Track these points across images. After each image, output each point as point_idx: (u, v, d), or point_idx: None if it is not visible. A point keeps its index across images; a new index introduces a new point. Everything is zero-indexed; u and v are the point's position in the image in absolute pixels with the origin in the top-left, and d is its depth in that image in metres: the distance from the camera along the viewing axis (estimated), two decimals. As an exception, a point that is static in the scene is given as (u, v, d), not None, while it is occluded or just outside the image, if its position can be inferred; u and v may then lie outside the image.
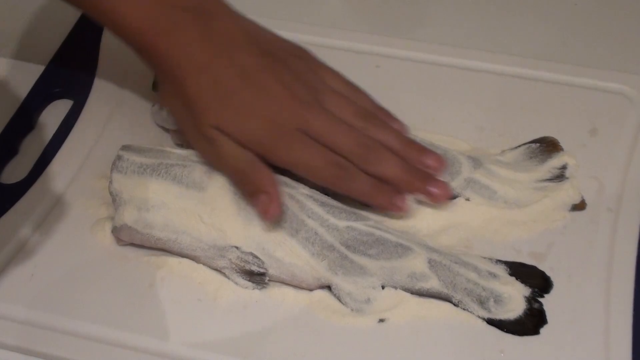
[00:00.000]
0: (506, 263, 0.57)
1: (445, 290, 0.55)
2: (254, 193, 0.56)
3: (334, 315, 0.56)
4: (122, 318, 0.56)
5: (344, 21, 0.77)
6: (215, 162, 0.58)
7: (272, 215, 0.55)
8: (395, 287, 0.56)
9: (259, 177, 0.56)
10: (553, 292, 0.56)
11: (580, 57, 0.73)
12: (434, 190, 0.58)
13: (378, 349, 0.54)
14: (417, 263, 0.56)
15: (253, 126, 0.56)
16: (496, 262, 0.57)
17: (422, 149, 0.60)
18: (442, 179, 0.59)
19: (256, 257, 0.56)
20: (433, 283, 0.55)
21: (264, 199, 0.55)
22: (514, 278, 0.56)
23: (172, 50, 0.57)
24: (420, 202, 0.59)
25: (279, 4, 0.79)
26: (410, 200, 0.58)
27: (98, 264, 0.59)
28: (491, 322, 0.55)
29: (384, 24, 0.77)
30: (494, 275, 0.56)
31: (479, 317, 0.55)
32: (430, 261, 0.56)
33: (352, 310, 0.55)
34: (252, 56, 0.58)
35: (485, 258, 0.57)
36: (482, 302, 0.55)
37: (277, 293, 0.57)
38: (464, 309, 0.55)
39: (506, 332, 0.54)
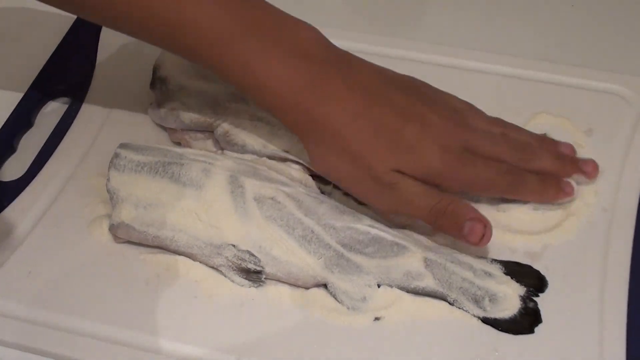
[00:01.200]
0: (501, 262, 0.57)
1: (440, 289, 0.56)
2: (461, 225, 0.56)
3: (330, 314, 0.56)
4: (119, 315, 0.56)
5: (343, 21, 0.77)
6: (402, 206, 0.58)
7: (488, 238, 0.56)
8: (391, 286, 0.56)
9: (457, 208, 0.57)
10: (548, 291, 0.56)
11: (577, 58, 0.73)
12: (587, 168, 0.61)
13: (374, 347, 0.54)
14: (412, 262, 0.56)
15: (429, 159, 0.57)
16: (491, 261, 0.57)
17: (553, 141, 0.63)
18: None
19: (253, 255, 0.56)
20: (428, 282, 0.56)
21: (477, 227, 0.56)
22: (509, 277, 0.57)
23: (320, 104, 0.56)
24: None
25: (277, 5, 0.79)
26: (574, 184, 0.61)
27: (95, 262, 0.59)
28: (486, 320, 0.55)
29: (383, 24, 0.77)
30: (489, 275, 0.56)
31: (474, 315, 0.55)
32: (425, 260, 0.56)
33: (348, 308, 0.56)
34: (399, 94, 0.59)
35: (480, 257, 0.58)
36: (477, 301, 0.55)
37: (273, 291, 0.57)
38: (459, 308, 0.55)
39: (501, 331, 0.54)
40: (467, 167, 0.58)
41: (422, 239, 0.58)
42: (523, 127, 0.66)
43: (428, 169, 0.57)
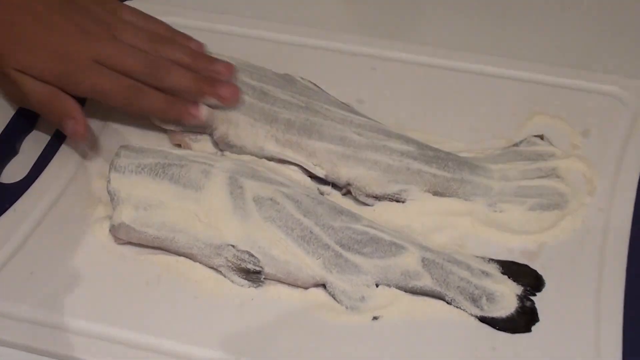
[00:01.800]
0: (498, 262, 0.58)
1: (438, 289, 0.56)
2: (60, 120, 0.62)
3: (328, 313, 0.56)
4: (119, 315, 0.56)
5: (340, 24, 0.77)
6: (23, 101, 0.64)
7: (82, 135, 0.62)
8: (389, 285, 0.57)
9: (62, 104, 0.61)
10: (545, 290, 0.57)
11: (573, 60, 0.73)
12: (223, 91, 0.62)
13: (372, 346, 0.55)
14: (410, 261, 0.57)
15: (48, 62, 0.61)
16: (489, 260, 0.58)
17: (211, 59, 0.64)
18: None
19: (252, 255, 0.57)
20: (426, 281, 0.56)
21: (71, 123, 0.61)
22: (506, 277, 0.57)
23: None
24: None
25: (275, 6, 0.79)
26: (204, 107, 0.62)
27: (96, 262, 0.59)
28: (484, 319, 0.55)
29: (380, 26, 0.78)
30: (486, 274, 0.57)
31: (472, 315, 0.56)
32: (423, 260, 0.57)
33: (346, 308, 0.56)
34: (43, 2, 0.62)
35: (478, 257, 0.58)
36: (474, 300, 0.56)
37: (272, 291, 0.57)
38: (456, 307, 0.56)
39: (498, 329, 0.55)
40: (84, 76, 0.61)
41: (420, 238, 0.59)
42: (520, 128, 0.66)
43: (45, 71, 0.61)
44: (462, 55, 0.72)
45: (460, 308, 0.56)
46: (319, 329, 0.55)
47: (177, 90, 0.62)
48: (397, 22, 0.78)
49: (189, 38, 0.67)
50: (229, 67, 0.63)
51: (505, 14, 0.79)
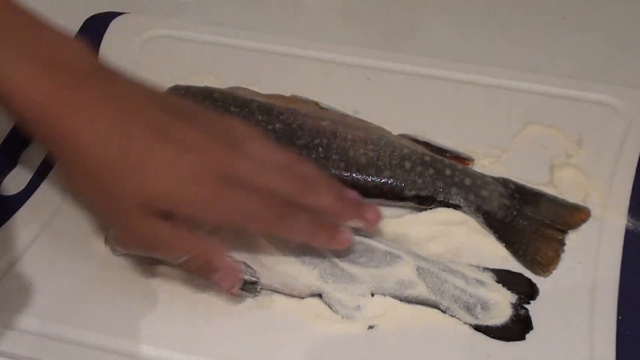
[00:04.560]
0: (493, 270, 0.58)
1: (433, 297, 0.56)
2: (211, 275, 0.54)
3: (324, 323, 0.56)
4: (117, 326, 0.56)
5: (335, 35, 0.78)
6: (149, 250, 0.55)
7: (237, 287, 0.55)
8: (385, 295, 0.57)
9: (207, 259, 0.54)
10: (539, 298, 0.57)
11: (568, 69, 0.74)
12: (369, 216, 0.56)
13: (368, 355, 0.55)
14: (405, 270, 0.57)
15: (178, 190, 0.51)
16: (483, 269, 0.58)
17: (340, 184, 0.58)
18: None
19: (248, 266, 0.57)
20: (421, 290, 0.57)
21: (226, 277, 0.54)
22: (500, 285, 0.57)
23: (69, 116, 0.50)
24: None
25: (270, 18, 0.80)
26: (349, 234, 0.56)
27: (94, 274, 0.59)
28: (478, 328, 0.56)
29: (375, 37, 0.78)
30: (481, 283, 0.57)
31: (466, 323, 0.56)
32: (418, 269, 0.57)
33: (342, 317, 0.56)
34: (160, 112, 0.52)
35: (472, 266, 0.58)
36: (469, 309, 0.56)
37: (268, 301, 0.58)
38: (451, 316, 0.56)
39: (493, 337, 0.55)
40: (222, 199, 0.52)
41: (415, 248, 0.59)
42: (515, 137, 0.67)
43: (177, 200, 0.51)
44: (457, 65, 0.73)
45: (455, 317, 0.56)
46: (315, 338, 0.56)
47: (323, 208, 0.54)
48: (392, 32, 0.79)
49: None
50: (359, 197, 0.57)
51: (499, 25, 0.79)
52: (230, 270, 0.54)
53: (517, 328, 0.55)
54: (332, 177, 0.61)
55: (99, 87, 0.51)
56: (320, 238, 0.55)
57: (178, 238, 0.53)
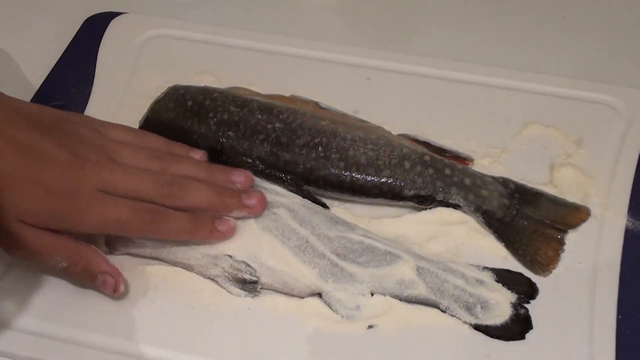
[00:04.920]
0: (493, 270, 0.58)
1: (432, 297, 0.56)
2: (93, 278, 0.56)
3: (324, 322, 0.56)
4: (116, 326, 0.56)
5: (335, 35, 0.78)
6: (34, 257, 0.55)
7: (120, 290, 0.56)
8: (384, 294, 0.57)
9: (87, 263, 0.56)
10: (538, 298, 0.57)
11: (567, 69, 0.74)
12: (250, 202, 0.57)
13: (367, 355, 0.55)
14: (405, 270, 0.57)
15: (48, 203, 0.53)
16: (483, 269, 0.58)
17: (227, 169, 0.59)
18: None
19: (249, 265, 0.57)
20: (421, 290, 0.57)
21: (108, 280, 0.56)
22: (500, 285, 0.57)
23: None
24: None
25: (270, 18, 0.80)
26: (232, 221, 0.57)
27: (94, 273, 0.60)
28: (478, 327, 0.56)
29: (375, 37, 0.78)
30: (480, 282, 0.57)
31: (466, 322, 0.56)
32: (418, 268, 0.57)
33: (342, 317, 0.56)
34: (26, 130, 0.54)
35: (472, 265, 0.58)
36: (469, 308, 0.56)
37: (268, 300, 0.58)
38: (451, 315, 0.56)
39: (492, 337, 0.55)
40: (94, 210, 0.54)
41: (415, 247, 0.59)
42: (514, 137, 0.67)
43: (49, 215, 0.53)
44: (457, 65, 0.73)
45: (454, 316, 0.56)
46: (315, 338, 0.56)
47: (199, 208, 0.56)
48: (392, 32, 0.79)
49: (188, 148, 0.61)
50: (247, 176, 0.59)
51: (498, 25, 0.79)
52: (110, 275, 0.56)
53: (516, 328, 0.56)
54: (332, 176, 0.61)
55: None
56: (201, 233, 0.56)
57: (56, 245, 0.55)
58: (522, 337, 0.55)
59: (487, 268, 0.58)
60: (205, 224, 0.56)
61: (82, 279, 0.57)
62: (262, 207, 0.57)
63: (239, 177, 0.59)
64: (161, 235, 0.56)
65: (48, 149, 0.54)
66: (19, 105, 0.57)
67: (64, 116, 0.58)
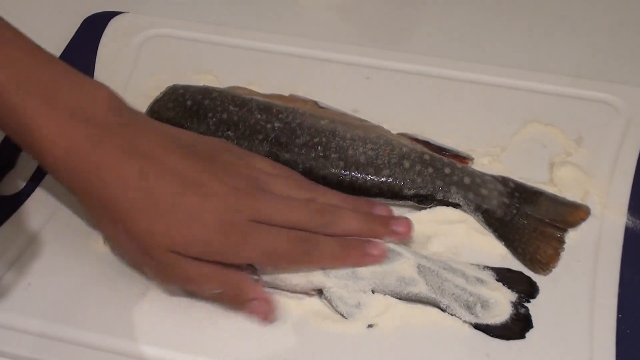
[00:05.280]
0: (493, 269, 0.58)
1: (433, 295, 0.56)
2: (244, 305, 0.55)
3: (324, 322, 0.56)
4: (116, 325, 0.56)
5: (333, 34, 0.78)
6: (187, 286, 0.56)
7: (273, 319, 0.56)
8: (385, 292, 0.57)
9: (240, 292, 0.55)
10: (539, 297, 0.57)
11: (567, 67, 0.74)
12: (399, 229, 0.57)
13: (367, 355, 0.55)
14: (406, 267, 0.57)
15: (206, 237, 0.53)
16: (483, 268, 0.58)
17: (369, 202, 0.60)
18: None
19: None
20: (421, 288, 0.56)
21: (260, 306, 0.55)
22: (500, 284, 0.57)
23: (95, 169, 0.53)
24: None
25: (269, 17, 0.80)
26: (383, 244, 0.57)
27: (93, 273, 0.59)
28: (478, 326, 0.56)
29: (374, 35, 0.78)
30: (481, 281, 0.57)
31: (466, 322, 0.56)
32: (419, 266, 0.57)
33: (343, 315, 0.56)
34: (184, 161, 0.55)
35: (472, 264, 0.58)
36: (469, 307, 0.56)
37: (268, 300, 0.58)
38: (451, 314, 0.56)
39: (492, 336, 0.55)
40: (250, 241, 0.54)
41: (415, 246, 0.59)
42: (514, 135, 0.67)
43: (205, 247, 0.53)
44: (456, 63, 0.73)
45: (454, 315, 0.56)
46: (315, 337, 0.56)
47: (349, 234, 0.57)
48: (391, 31, 0.79)
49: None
50: (389, 209, 0.59)
51: (497, 23, 0.79)
52: (263, 300, 0.55)
53: (517, 327, 0.55)
54: (331, 176, 0.61)
55: (122, 139, 0.54)
56: (353, 258, 0.56)
57: (209, 273, 0.54)
58: (523, 337, 0.55)
59: (487, 267, 0.58)
60: (356, 248, 0.56)
61: (231, 305, 0.56)
62: (410, 233, 0.58)
63: (380, 210, 0.59)
64: (314, 263, 0.56)
65: (204, 179, 0.54)
66: (174, 133, 0.58)
67: (214, 145, 0.59)
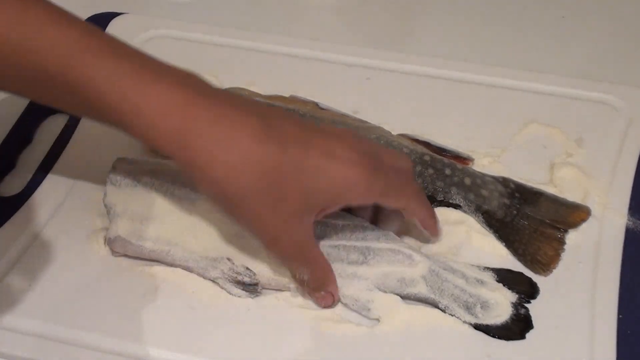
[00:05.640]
0: (494, 270, 0.58)
1: (432, 296, 0.56)
2: (317, 292, 0.57)
3: (324, 322, 0.56)
4: (116, 327, 0.56)
5: (334, 35, 0.78)
6: (289, 262, 0.57)
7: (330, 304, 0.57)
8: (386, 291, 0.57)
9: (325, 280, 0.56)
10: (539, 297, 0.57)
11: (567, 68, 0.74)
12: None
13: (368, 355, 0.55)
14: (413, 271, 0.57)
15: (338, 176, 0.52)
16: (484, 269, 0.58)
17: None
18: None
19: (248, 269, 0.57)
20: (421, 288, 0.56)
21: (328, 299, 0.57)
22: (501, 284, 0.57)
23: (204, 147, 0.50)
24: None
25: (270, 18, 0.80)
26: None
27: (93, 274, 0.59)
28: (478, 327, 0.56)
29: (374, 37, 0.78)
30: (481, 282, 0.57)
31: (466, 322, 0.56)
32: (429, 270, 0.57)
33: (354, 308, 0.56)
34: (295, 125, 0.53)
35: (473, 265, 0.58)
36: (468, 308, 0.56)
37: (268, 301, 0.58)
38: (450, 315, 0.56)
39: (492, 337, 0.55)
40: (379, 178, 0.54)
41: (416, 246, 0.59)
42: (514, 136, 0.67)
43: (340, 190, 0.53)
44: (456, 64, 0.73)
45: (454, 315, 0.56)
46: (315, 338, 0.56)
47: None
48: (391, 32, 0.79)
49: None
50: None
51: (497, 24, 0.79)
52: (333, 294, 0.57)
53: (517, 327, 0.55)
54: None
55: (226, 108, 0.51)
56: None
57: (314, 257, 0.56)
58: (523, 337, 0.55)
59: (487, 268, 0.58)
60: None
61: (305, 291, 0.57)
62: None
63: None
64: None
65: (322, 142, 0.53)
66: (273, 107, 0.58)
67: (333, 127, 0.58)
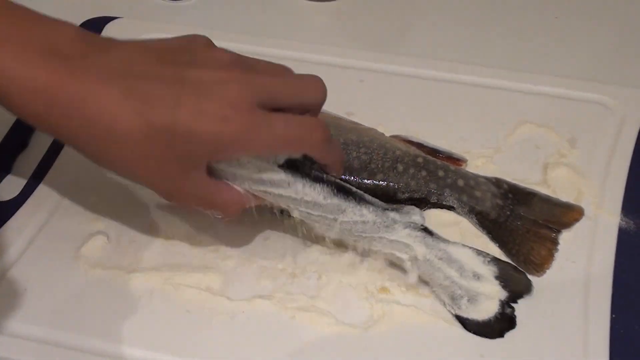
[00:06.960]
0: (499, 263, 0.57)
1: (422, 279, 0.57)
2: (227, 210, 0.56)
3: (319, 324, 0.56)
4: (112, 330, 0.56)
5: (327, 37, 0.78)
6: (196, 207, 0.55)
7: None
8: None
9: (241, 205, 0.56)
10: (533, 297, 0.57)
11: (560, 68, 0.74)
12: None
13: (363, 356, 0.55)
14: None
15: (220, 125, 0.50)
16: (490, 261, 0.57)
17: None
18: None
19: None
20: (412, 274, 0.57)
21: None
22: (497, 282, 0.57)
23: (77, 107, 0.49)
24: None
25: (263, 21, 0.80)
26: None
27: (89, 279, 0.59)
28: (459, 318, 0.56)
29: (368, 39, 0.78)
30: (477, 277, 0.56)
31: (449, 311, 0.56)
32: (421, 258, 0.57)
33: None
34: (168, 65, 0.51)
35: (480, 254, 0.57)
36: (454, 299, 0.56)
37: (263, 304, 0.58)
38: (439, 300, 0.57)
39: (470, 331, 0.55)
40: (265, 125, 0.51)
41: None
42: (507, 137, 0.67)
43: (221, 142, 0.50)
44: (449, 65, 0.73)
45: (441, 300, 0.57)
46: (310, 339, 0.56)
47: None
48: (385, 34, 0.79)
49: None
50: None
51: (491, 25, 0.80)
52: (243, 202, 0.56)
53: (497, 326, 0.55)
54: None
55: (97, 68, 0.50)
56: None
57: (221, 196, 0.55)
58: (501, 336, 0.55)
59: (495, 260, 0.57)
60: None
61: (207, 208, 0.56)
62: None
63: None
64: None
65: (196, 74, 0.51)
66: (145, 45, 0.54)
67: (189, 41, 0.55)
